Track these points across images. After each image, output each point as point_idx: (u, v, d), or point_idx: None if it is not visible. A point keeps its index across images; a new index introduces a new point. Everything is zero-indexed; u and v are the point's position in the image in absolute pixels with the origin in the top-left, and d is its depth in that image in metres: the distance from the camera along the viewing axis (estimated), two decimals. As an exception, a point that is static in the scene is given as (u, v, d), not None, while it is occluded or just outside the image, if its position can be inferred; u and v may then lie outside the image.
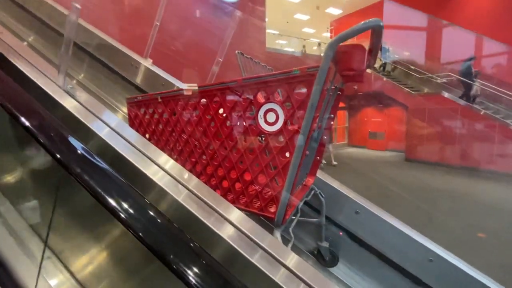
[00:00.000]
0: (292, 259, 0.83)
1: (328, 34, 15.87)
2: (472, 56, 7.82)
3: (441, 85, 8.49)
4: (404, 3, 9.53)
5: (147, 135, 1.48)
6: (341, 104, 1.34)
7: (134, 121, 1.57)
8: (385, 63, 9.83)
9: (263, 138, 0.93)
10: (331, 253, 1.49)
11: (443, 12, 9.49)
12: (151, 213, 0.86)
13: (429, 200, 4.84)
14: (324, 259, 1.49)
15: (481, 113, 7.42)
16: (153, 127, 1.41)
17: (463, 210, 4.47)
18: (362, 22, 0.64)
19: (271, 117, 0.86)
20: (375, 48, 0.88)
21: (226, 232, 0.86)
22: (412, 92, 8.60)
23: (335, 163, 7.74)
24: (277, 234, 0.91)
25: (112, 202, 0.80)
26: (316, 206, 1.53)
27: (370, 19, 0.63)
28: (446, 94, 7.96)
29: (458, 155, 7.44)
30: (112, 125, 1.08)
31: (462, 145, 7.45)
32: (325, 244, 1.47)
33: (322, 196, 1.47)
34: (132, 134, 1.09)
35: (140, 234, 0.80)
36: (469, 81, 7.51)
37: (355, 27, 0.64)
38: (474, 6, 9.10)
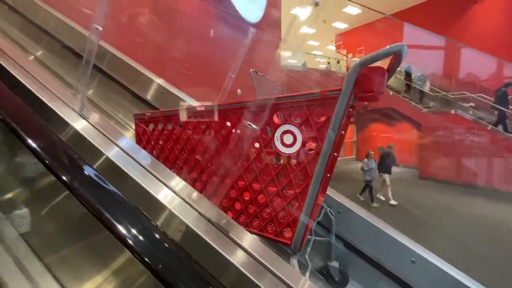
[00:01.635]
0: (304, 285, 0.80)
1: (332, 47, 16.23)
2: (508, 82, 7.41)
3: (455, 103, 8.50)
4: (410, 22, 9.83)
5: (155, 152, 1.48)
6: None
7: (141, 138, 1.57)
8: (422, 93, 9.32)
9: (279, 160, 0.92)
10: (341, 273, 1.45)
11: (450, 31, 9.72)
12: (158, 238, 0.84)
13: (461, 228, 4.59)
14: (334, 279, 1.46)
15: (488, 128, 7.37)
16: (161, 144, 1.42)
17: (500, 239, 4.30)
18: (388, 47, 0.64)
19: (288, 138, 0.85)
20: (394, 70, 0.89)
21: (235, 256, 0.84)
22: (424, 109, 8.61)
23: (393, 202, 6.17)
24: (294, 261, 0.88)
25: (120, 228, 0.79)
26: (325, 224, 1.50)
27: (395, 44, 0.63)
28: (460, 112, 7.92)
29: (474, 175, 7.28)
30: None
31: (479, 165, 7.31)
32: (334, 263, 1.44)
33: (332, 214, 1.45)
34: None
35: (147, 260, 0.79)
36: (505, 109, 7.26)
37: (380, 51, 0.64)
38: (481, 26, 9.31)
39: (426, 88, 9.37)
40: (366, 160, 6.40)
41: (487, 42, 9.08)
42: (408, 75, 9.79)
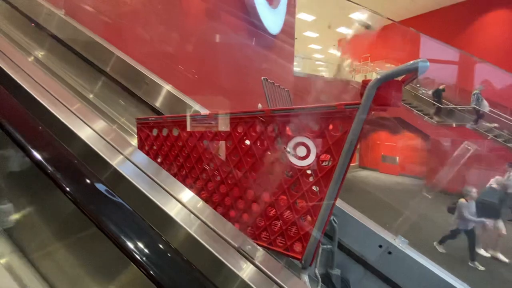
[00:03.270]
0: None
1: (333, 51, 16.50)
2: None
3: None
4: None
5: (158, 159, 1.48)
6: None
7: (144, 143, 1.57)
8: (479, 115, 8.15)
9: (290, 173, 0.93)
10: (343, 281, 1.46)
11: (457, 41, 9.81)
12: (164, 251, 0.84)
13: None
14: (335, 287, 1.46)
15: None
16: (166, 150, 1.42)
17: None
18: (411, 62, 0.64)
19: (301, 151, 0.86)
20: (408, 82, 0.90)
21: (244, 269, 0.84)
22: (435, 122, 8.56)
23: (503, 259, 4.12)
24: (305, 277, 0.88)
25: (128, 243, 0.78)
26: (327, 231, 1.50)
27: (418, 60, 0.64)
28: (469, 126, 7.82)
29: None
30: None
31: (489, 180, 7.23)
32: (336, 271, 1.44)
33: (335, 222, 1.46)
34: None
35: (152, 273, 0.79)
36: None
37: (402, 67, 0.65)
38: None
39: (485, 108, 8.00)
40: (463, 201, 4.29)
41: (491, 55, 9.21)
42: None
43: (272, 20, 5.22)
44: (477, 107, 8.08)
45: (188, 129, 1.28)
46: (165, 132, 1.43)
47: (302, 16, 12.88)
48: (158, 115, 2.08)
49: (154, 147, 1.49)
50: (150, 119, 1.59)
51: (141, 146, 1.59)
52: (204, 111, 1.90)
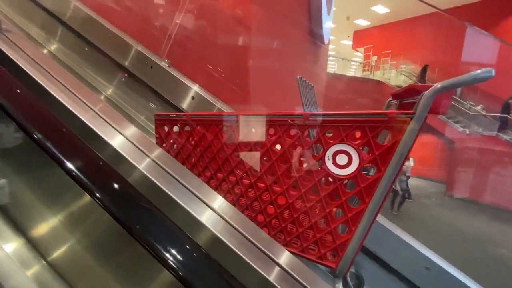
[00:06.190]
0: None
1: (347, 42, 16.32)
2: None
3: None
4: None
5: (179, 156, 1.49)
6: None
7: (164, 140, 1.58)
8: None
9: (327, 181, 0.92)
10: (357, 277, 1.46)
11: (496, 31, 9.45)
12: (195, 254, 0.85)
13: None
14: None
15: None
16: (189, 149, 1.42)
17: None
18: (478, 72, 0.62)
19: (341, 159, 0.84)
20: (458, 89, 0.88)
21: (275, 276, 0.84)
22: (461, 128, 8.42)
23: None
24: (340, 286, 0.88)
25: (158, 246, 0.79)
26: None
27: (484, 70, 0.62)
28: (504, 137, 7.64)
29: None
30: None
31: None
32: (350, 268, 1.45)
33: None
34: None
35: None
36: None
37: (467, 77, 0.62)
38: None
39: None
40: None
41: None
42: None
43: (326, 32, 5.24)
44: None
45: (213, 128, 1.27)
46: (187, 129, 1.43)
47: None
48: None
49: (174, 146, 1.49)
50: (171, 115, 1.58)
51: (160, 143, 1.59)
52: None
